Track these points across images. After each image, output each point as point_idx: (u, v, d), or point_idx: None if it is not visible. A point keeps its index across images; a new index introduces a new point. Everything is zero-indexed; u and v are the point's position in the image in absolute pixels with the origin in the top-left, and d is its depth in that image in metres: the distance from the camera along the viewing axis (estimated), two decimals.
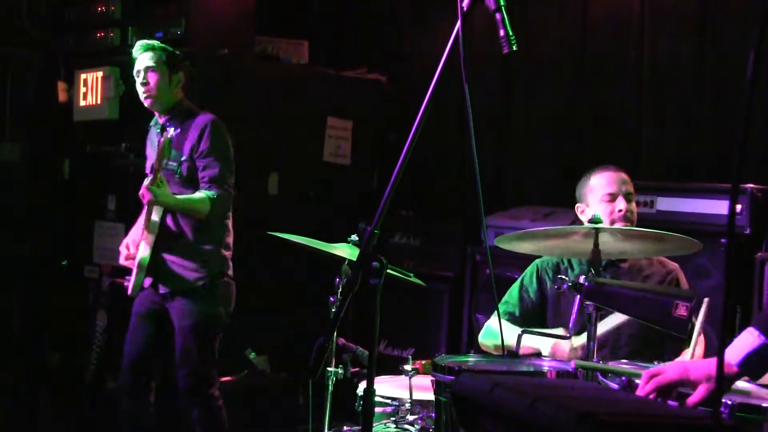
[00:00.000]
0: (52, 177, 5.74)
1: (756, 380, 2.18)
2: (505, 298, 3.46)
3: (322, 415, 3.41)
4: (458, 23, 2.18)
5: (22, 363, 5.66)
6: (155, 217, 3.96)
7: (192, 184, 4.00)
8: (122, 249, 4.12)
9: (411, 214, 5.41)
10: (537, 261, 3.47)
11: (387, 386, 3.28)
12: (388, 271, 2.21)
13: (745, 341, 2.07)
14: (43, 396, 5.63)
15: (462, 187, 5.54)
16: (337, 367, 3.39)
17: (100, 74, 5.34)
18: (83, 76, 5.44)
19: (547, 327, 3.39)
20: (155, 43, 4.15)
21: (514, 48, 2.14)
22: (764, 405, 2.20)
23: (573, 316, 2.79)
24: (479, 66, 5.10)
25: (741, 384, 2.32)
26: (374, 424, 2.91)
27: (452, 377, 2.61)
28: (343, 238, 3.57)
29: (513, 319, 3.38)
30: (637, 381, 2.19)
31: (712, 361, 2.08)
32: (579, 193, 3.42)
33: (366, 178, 5.72)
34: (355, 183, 5.64)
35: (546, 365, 2.82)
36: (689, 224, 3.92)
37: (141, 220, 4.14)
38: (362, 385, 3.24)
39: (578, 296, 2.72)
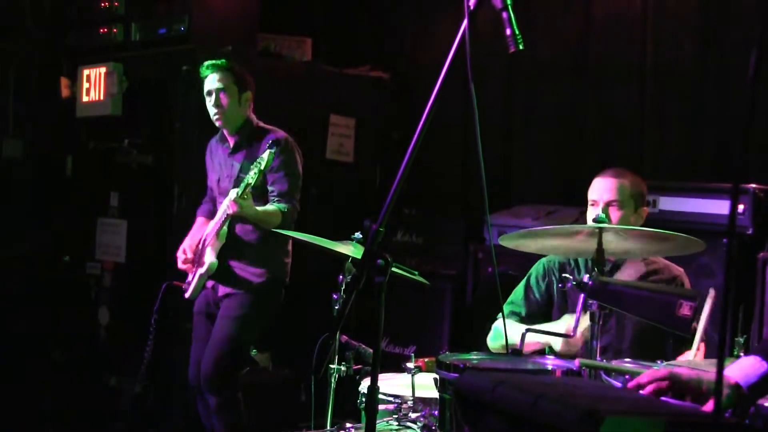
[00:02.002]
0: (54, 173, 5.74)
1: (750, 406, 2.16)
2: (511, 298, 3.47)
3: (324, 412, 3.42)
4: (465, 22, 2.18)
5: (24, 360, 5.67)
6: (226, 226, 4.17)
7: (261, 197, 4.16)
8: (179, 254, 4.35)
9: (414, 212, 5.41)
10: (543, 260, 3.47)
11: (389, 384, 3.29)
12: (393, 269, 2.21)
13: (751, 366, 2.06)
14: (46, 393, 5.63)
15: (465, 185, 5.55)
16: (339, 364, 3.40)
17: (103, 70, 5.34)
18: (86, 72, 5.45)
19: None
20: (225, 62, 4.27)
21: (521, 47, 2.14)
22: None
23: (577, 315, 2.79)
24: (483, 65, 5.11)
25: None
26: (377, 422, 2.91)
27: (456, 375, 2.61)
28: (346, 236, 3.58)
29: (520, 319, 3.38)
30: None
31: (727, 378, 2.06)
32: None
33: (369, 175, 5.73)
34: (357, 180, 5.64)
35: (550, 363, 2.82)
36: (692, 224, 3.93)
37: (197, 227, 4.41)
38: (365, 383, 3.25)
39: (582, 295, 2.73)
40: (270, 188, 4.16)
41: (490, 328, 3.44)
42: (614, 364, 2.68)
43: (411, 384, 3.10)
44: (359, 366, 3.42)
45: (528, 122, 5.40)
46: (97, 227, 5.47)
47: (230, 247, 4.20)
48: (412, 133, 2.22)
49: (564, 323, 3.14)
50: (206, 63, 4.27)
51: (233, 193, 3.98)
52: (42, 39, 5.82)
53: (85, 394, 5.40)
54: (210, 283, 4.28)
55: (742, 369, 2.07)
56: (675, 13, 4.77)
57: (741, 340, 2.64)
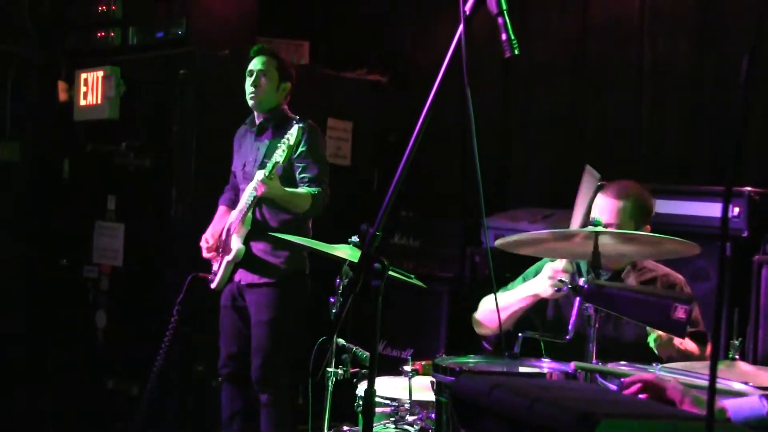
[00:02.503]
0: (52, 176, 5.75)
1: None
2: (512, 283, 3.50)
3: (321, 416, 3.43)
4: (460, 27, 2.19)
5: (21, 363, 5.67)
6: (251, 212, 4.20)
7: (287, 183, 4.18)
8: (203, 243, 4.38)
9: (411, 215, 5.42)
10: (539, 264, 3.49)
11: (386, 387, 3.30)
12: (390, 272, 2.22)
13: (750, 404, 2.07)
14: (44, 396, 5.63)
15: (462, 188, 5.56)
16: (337, 367, 3.40)
17: (100, 74, 5.35)
18: (84, 75, 5.45)
19: (545, 325, 3.41)
20: (272, 49, 4.41)
21: (516, 52, 2.15)
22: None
23: (572, 318, 2.80)
24: (480, 68, 5.12)
25: (737, 386, 2.33)
26: (374, 425, 2.92)
27: (452, 378, 2.62)
28: (343, 239, 3.59)
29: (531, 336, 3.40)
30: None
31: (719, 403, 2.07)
32: None
33: (366, 179, 5.73)
34: (355, 184, 5.65)
35: (546, 366, 2.83)
36: (688, 227, 3.93)
37: (219, 216, 4.44)
38: (362, 386, 3.25)
39: (577, 298, 2.74)
40: (299, 175, 4.22)
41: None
42: (610, 366, 2.69)
43: (408, 387, 3.11)
44: (356, 369, 3.42)
45: (525, 124, 5.41)
46: (94, 230, 5.47)
47: (254, 233, 4.24)
48: (410, 136, 2.23)
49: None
50: (259, 47, 4.39)
51: (260, 174, 4.02)
52: (40, 42, 5.82)
53: (83, 397, 5.40)
54: (237, 276, 4.31)
55: (739, 405, 2.07)
56: (672, 14, 4.78)
57: (737, 342, 2.65)
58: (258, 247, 4.28)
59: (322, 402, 3.42)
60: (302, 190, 4.17)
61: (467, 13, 2.21)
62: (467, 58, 2.19)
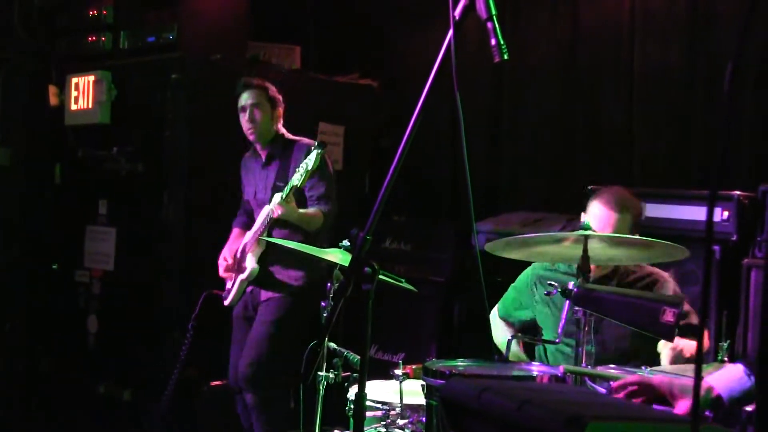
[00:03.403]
0: (43, 181, 5.74)
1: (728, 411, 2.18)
2: (505, 295, 3.52)
3: (312, 419, 3.43)
4: (450, 32, 2.20)
5: (12, 367, 5.65)
6: (265, 233, 4.32)
7: (300, 202, 4.31)
8: (221, 262, 4.53)
9: (402, 219, 5.43)
10: (528, 270, 3.52)
11: (377, 390, 3.30)
12: (380, 276, 2.23)
13: (737, 379, 2.08)
14: (34, 400, 5.62)
15: (453, 192, 5.57)
16: (328, 371, 3.41)
17: (91, 78, 5.34)
18: (75, 80, 5.44)
19: (539, 331, 3.43)
20: (259, 81, 4.51)
21: (506, 57, 2.16)
22: (748, 409, 2.23)
23: (562, 321, 2.82)
24: (471, 72, 5.13)
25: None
26: (365, 428, 2.92)
27: (443, 381, 2.63)
28: (334, 243, 3.60)
29: (507, 324, 3.43)
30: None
31: (706, 385, 2.09)
32: (587, 205, 3.42)
33: (358, 183, 5.74)
34: (346, 188, 5.65)
35: (535, 370, 2.84)
36: (678, 230, 3.95)
37: (233, 238, 4.57)
38: (353, 389, 3.26)
39: (567, 302, 2.75)
40: (308, 192, 4.34)
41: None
42: (599, 370, 2.70)
43: (399, 391, 3.11)
44: (347, 373, 3.43)
45: (516, 129, 5.42)
46: (85, 235, 5.47)
47: (270, 253, 4.37)
48: (401, 140, 2.24)
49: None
50: (241, 82, 4.51)
51: (277, 197, 4.15)
52: (31, 47, 5.82)
53: (74, 402, 5.39)
54: (250, 288, 4.44)
55: (725, 380, 2.09)
56: (662, 19, 4.80)
57: (725, 345, 2.67)
58: (274, 269, 4.40)
59: (314, 406, 3.43)
60: (312, 209, 4.32)
61: (457, 18, 2.22)
62: (457, 63, 2.20)
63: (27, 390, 5.63)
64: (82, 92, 5.41)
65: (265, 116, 4.45)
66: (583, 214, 3.42)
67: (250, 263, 4.39)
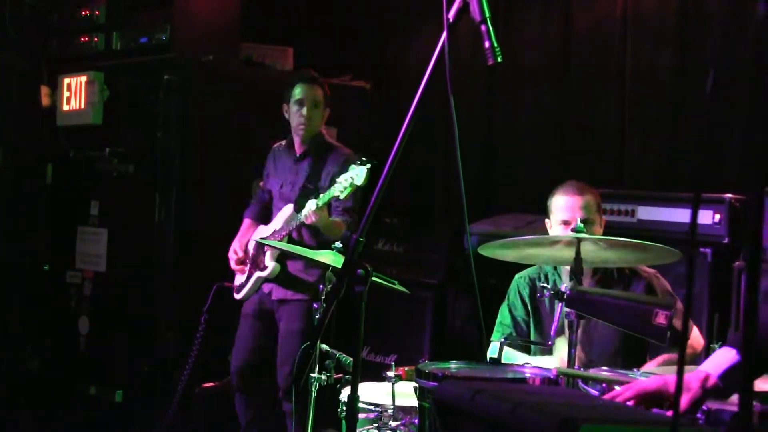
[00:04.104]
0: (35, 182, 5.72)
1: (726, 398, 2.18)
2: (498, 320, 3.51)
3: (305, 421, 3.43)
4: (444, 34, 2.20)
5: (2, 368, 5.63)
6: (285, 232, 4.29)
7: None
8: (231, 254, 4.47)
9: (395, 221, 5.43)
10: (516, 277, 3.52)
11: (370, 392, 3.30)
12: (373, 278, 2.23)
13: (724, 357, 2.10)
14: (23, 401, 5.60)
15: (447, 194, 5.57)
16: (320, 373, 3.40)
17: (84, 79, 5.33)
18: (67, 80, 5.43)
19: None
20: (319, 78, 4.47)
21: (499, 60, 2.17)
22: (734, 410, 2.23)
23: (555, 324, 2.82)
24: (464, 75, 5.14)
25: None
26: (357, 430, 2.92)
27: (435, 383, 2.63)
28: (327, 245, 3.60)
29: (513, 342, 3.42)
30: (617, 388, 2.22)
31: (695, 372, 2.10)
32: (547, 208, 3.45)
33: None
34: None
35: (528, 372, 2.85)
36: (670, 233, 3.96)
37: (245, 228, 4.52)
38: (345, 391, 3.26)
39: (560, 304, 2.75)
40: (335, 203, 4.28)
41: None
42: (591, 372, 2.71)
43: (391, 393, 3.11)
44: (340, 375, 3.43)
45: (509, 131, 5.43)
46: (77, 236, 5.46)
47: (289, 252, 4.28)
48: (394, 142, 2.24)
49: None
50: (304, 73, 4.49)
51: (312, 204, 4.07)
52: (23, 47, 5.80)
53: (65, 404, 5.37)
54: (266, 288, 4.38)
55: (713, 360, 2.10)
56: (654, 22, 4.82)
57: (716, 347, 2.67)
58: (293, 266, 4.35)
59: (306, 408, 3.42)
60: (339, 219, 4.28)
61: (451, 20, 2.22)
62: (451, 65, 2.20)
63: (17, 391, 5.61)
64: (74, 93, 5.40)
65: (320, 114, 4.40)
66: (546, 220, 3.43)
67: (270, 261, 4.33)
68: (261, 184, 4.64)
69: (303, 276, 4.35)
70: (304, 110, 4.34)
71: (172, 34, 5.10)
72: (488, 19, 2.18)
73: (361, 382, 2.28)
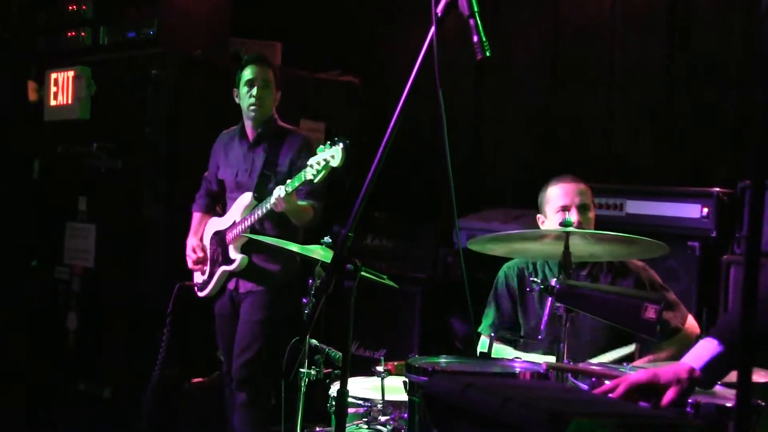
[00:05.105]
0: (22, 177, 5.69)
1: (709, 388, 2.20)
2: (486, 312, 3.51)
3: (294, 416, 3.43)
4: (432, 29, 2.20)
5: None
6: (248, 223, 4.14)
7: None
8: (190, 253, 4.35)
9: (384, 216, 5.43)
10: (504, 267, 3.52)
11: (359, 387, 3.30)
12: (362, 273, 2.22)
13: (705, 348, 2.11)
14: (12, 397, 5.58)
15: (435, 188, 5.57)
16: (309, 368, 3.40)
17: (71, 74, 5.31)
18: (54, 75, 5.41)
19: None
20: (268, 57, 4.37)
21: (488, 54, 2.16)
22: (728, 405, 2.24)
23: (545, 318, 2.82)
24: (453, 69, 5.14)
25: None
26: (346, 425, 2.92)
27: (425, 378, 2.63)
28: (316, 240, 3.59)
29: (501, 336, 3.43)
30: (607, 382, 2.22)
31: (681, 365, 2.11)
32: (539, 204, 3.46)
33: (339, 179, 5.72)
34: (328, 185, 5.63)
35: (517, 366, 2.85)
36: (658, 227, 3.97)
37: (197, 223, 4.40)
38: (335, 386, 3.25)
39: (549, 298, 2.76)
40: (301, 187, 4.13)
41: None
42: (581, 366, 2.71)
43: (381, 387, 3.11)
44: (329, 370, 3.43)
45: (498, 126, 5.44)
46: (65, 231, 5.44)
47: (252, 243, 4.17)
48: (383, 137, 2.24)
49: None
50: (253, 54, 4.34)
51: (281, 190, 3.92)
52: (10, 42, 5.77)
53: (53, 400, 5.35)
54: (232, 284, 4.28)
55: (696, 352, 2.11)
56: (643, 16, 4.83)
57: None
58: (257, 257, 4.25)
59: (295, 403, 3.42)
60: (305, 203, 4.13)
61: (439, 14, 2.22)
62: (439, 59, 2.20)
63: (3, 387, 5.58)
64: (62, 88, 5.38)
65: (271, 94, 4.25)
66: (538, 216, 3.43)
67: (236, 254, 4.20)
68: (206, 174, 4.48)
69: (267, 266, 4.24)
70: (255, 90, 4.19)
71: (160, 29, 5.08)
72: (477, 14, 2.18)
73: (350, 377, 2.27)
